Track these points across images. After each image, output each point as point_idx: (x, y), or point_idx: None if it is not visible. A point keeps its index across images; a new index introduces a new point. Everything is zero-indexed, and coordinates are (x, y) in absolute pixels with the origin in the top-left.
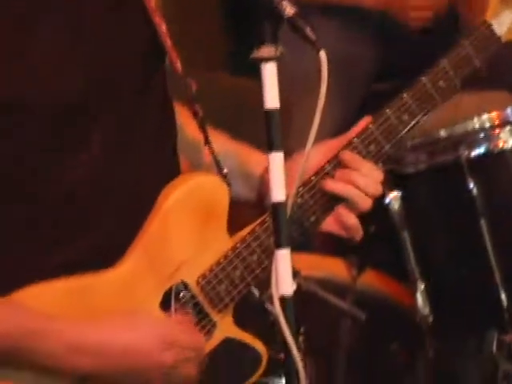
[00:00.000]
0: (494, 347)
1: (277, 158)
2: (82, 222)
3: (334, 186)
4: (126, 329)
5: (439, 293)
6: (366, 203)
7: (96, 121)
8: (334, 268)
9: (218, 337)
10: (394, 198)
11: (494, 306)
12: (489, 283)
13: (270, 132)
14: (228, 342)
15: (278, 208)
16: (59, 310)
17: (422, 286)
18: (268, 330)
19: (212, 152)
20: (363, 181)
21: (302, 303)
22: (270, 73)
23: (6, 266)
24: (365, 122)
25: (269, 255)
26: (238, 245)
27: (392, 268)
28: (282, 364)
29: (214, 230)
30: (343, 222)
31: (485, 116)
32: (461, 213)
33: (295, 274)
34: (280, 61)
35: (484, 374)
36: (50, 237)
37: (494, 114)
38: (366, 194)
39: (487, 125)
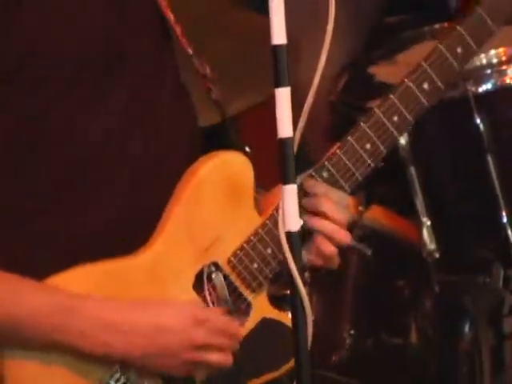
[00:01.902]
0: (500, 282)
1: (283, 94)
2: (96, 192)
3: (311, 222)
4: (159, 307)
5: (446, 228)
6: (343, 236)
7: (117, 80)
8: None
9: (254, 317)
10: None
11: (500, 241)
12: (495, 219)
13: (276, 67)
14: (266, 323)
15: (284, 144)
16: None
17: (428, 222)
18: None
19: (231, 130)
20: (335, 212)
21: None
22: (277, 7)
23: (25, 239)
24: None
25: None
26: (268, 222)
27: (398, 203)
28: (288, 299)
29: (242, 207)
30: (321, 251)
31: (492, 52)
32: (467, 148)
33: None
34: None
35: (489, 310)
36: (63, 210)
37: (501, 49)
38: (340, 226)
39: (494, 61)
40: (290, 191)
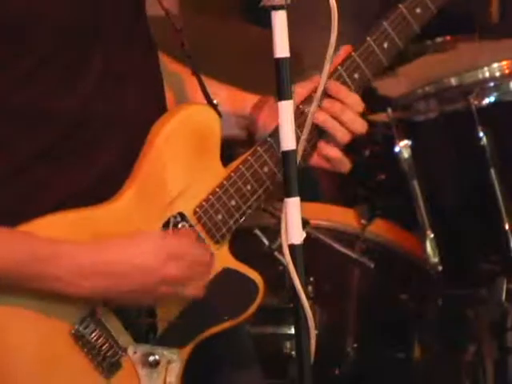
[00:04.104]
0: (503, 296)
1: (286, 107)
2: (77, 155)
3: (317, 116)
4: (132, 246)
5: (449, 241)
6: (344, 137)
7: (93, 46)
8: (344, 217)
9: (216, 267)
10: (403, 146)
11: (503, 254)
12: (498, 232)
13: (279, 81)
14: (226, 273)
15: (287, 156)
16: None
17: (431, 235)
18: (277, 279)
19: (200, 83)
20: (347, 115)
21: (312, 252)
22: (280, 21)
23: (10, 198)
24: (345, 50)
25: (261, 184)
26: (233, 174)
27: (401, 217)
28: (291, 312)
29: (209, 160)
30: (325, 154)
31: (495, 65)
32: (471, 162)
33: (305, 223)
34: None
35: (493, 323)
36: (47, 171)
37: (504, 63)
38: (348, 129)
39: (497, 74)
40: (293, 204)
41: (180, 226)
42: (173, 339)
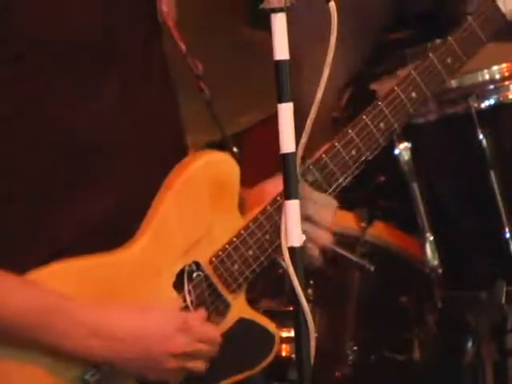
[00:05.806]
0: (503, 298)
1: (286, 109)
2: (89, 183)
3: None
4: (143, 313)
5: (448, 244)
6: (325, 239)
7: (109, 68)
8: (343, 220)
9: (232, 317)
10: (403, 148)
11: (503, 257)
12: (498, 234)
13: (279, 83)
14: (242, 323)
15: (287, 159)
16: (77, 288)
17: (431, 237)
18: (277, 282)
19: (220, 129)
20: (317, 215)
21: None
22: (279, 23)
23: (15, 233)
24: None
25: (280, 235)
26: (251, 224)
27: (401, 219)
28: (291, 315)
29: (226, 208)
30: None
31: (495, 67)
32: (470, 164)
33: None
34: (291, 10)
35: (492, 325)
36: (56, 201)
37: (504, 65)
38: (323, 228)
39: (497, 76)
40: (293, 206)
41: (195, 275)
42: None
